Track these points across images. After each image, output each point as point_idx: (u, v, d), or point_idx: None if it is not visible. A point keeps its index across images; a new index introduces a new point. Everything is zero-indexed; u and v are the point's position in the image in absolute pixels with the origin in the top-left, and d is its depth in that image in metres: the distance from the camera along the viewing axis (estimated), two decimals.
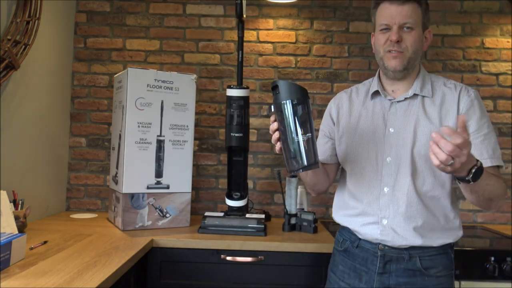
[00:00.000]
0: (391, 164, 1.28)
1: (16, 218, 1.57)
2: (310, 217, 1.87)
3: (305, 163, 1.11)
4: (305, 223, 1.90)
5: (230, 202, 1.90)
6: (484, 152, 1.21)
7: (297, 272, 1.69)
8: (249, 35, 2.36)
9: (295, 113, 1.12)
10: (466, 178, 1.06)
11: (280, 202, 2.34)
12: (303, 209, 2.10)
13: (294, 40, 2.37)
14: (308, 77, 2.37)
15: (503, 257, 1.68)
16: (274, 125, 1.15)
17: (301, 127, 1.11)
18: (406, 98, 1.30)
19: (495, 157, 1.22)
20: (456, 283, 1.67)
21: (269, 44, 2.37)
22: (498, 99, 2.34)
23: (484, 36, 2.36)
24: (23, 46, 1.76)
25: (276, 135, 1.15)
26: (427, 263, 1.25)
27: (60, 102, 2.25)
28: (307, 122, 1.13)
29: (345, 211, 1.38)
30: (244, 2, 1.84)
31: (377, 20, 1.29)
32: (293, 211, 2.01)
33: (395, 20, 1.24)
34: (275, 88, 1.14)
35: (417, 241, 1.24)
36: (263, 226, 1.81)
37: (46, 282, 1.12)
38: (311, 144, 1.12)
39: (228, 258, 1.69)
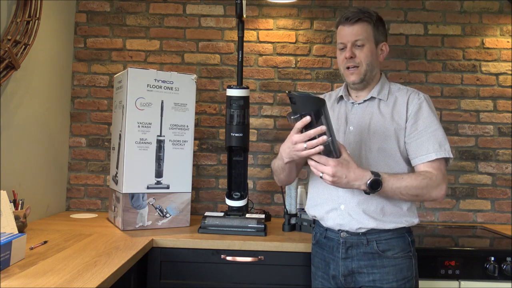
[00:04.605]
0: None
1: (16, 218, 1.57)
2: (310, 217, 1.87)
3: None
4: (305, 223, 1.90)
5: (230, 202, 1.90)
6: (430, 147, 1.37)
7: (297, 272, 1.69)
8: (249, 35, 2.36)
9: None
10: (366, 192, 1.30)
11: (280, 202, 2.34)
12: (303, 209, 2.09)
13: (294, 40, 2.37)
14: (308, 77, 2.37)
15: (503, 257, 1.68)
16: (323, 128, 1.22)
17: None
18: (365, 101, 1.48)
19: (441, 150, 1.37)
20: (456, 283, 1.68)
21: (269, 44, 2.37)
22: (498, 99, 2.34)
23: (484, 36, 2.36)
24: (23, 46, 1.76)
25: (324, 137, 1.23)
26: (384, 246, 1.39)
27: (60, 102, 2.25)
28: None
29: (313, 202, 1.53)
30: (244, 2, 1.85)
31: (337, 41, 1.49)
32: (293, 211, 2.01)
33: (348, 38, 1.43)
34: (319, 100, 1.24)
35: (370, 223, 1.38)
36: (263, 226, 1.81)
37: (46, 282, 1.12)
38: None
39: (228, 258, 1.69)
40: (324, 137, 1.22)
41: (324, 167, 1.26)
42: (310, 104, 1.21)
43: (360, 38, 1.41)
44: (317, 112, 1.21)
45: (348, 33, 1.42)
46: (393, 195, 1.34)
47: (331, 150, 1.26)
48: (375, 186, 1.29)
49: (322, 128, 1.21)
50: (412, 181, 1.33)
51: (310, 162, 1.28)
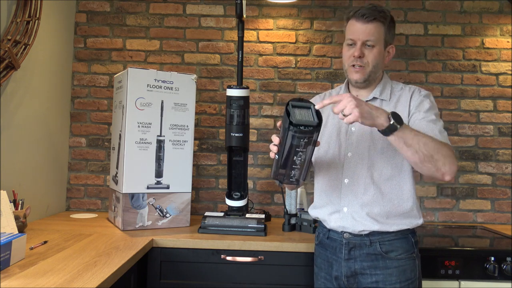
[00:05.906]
0: (352, 158, 1.43)
1: (16, 218, 1.57)
2: (310, 217, 1.87)
3: (298, 180, 1.28)
4: (305, 223, 1.90)
5: (230, 202, 1.90)
6: (429, 131, 1.30)
7: (297, 272, 1.69)
8: (249, 35, 2.36)
9: (302, 140, 1.18)
10: (391, 123, 1.18)
11: (280, 202, 2.34)
12: (303, 209, 2.09)
13: (294, 40, 2.37)
14: (308, 77, 2.37)
15: (503, 257, 1.68)
16: (275, 139, 1.25)
17: (303, 152, 1.20)
18: (367, 101, 1.42)
19: (442, 138, 1.32)
20: (456, 283, 1.68)
21: (269, 44, 2.37)
22: (498, 99, 2.34)
23: (484, 36, 2.36)
24: (23, 46, 1.76)
25: (273, 147, 1.28)
26: (387, 247, 1.38)
27: (60, 102, 2.25)
28: (310, 148, 1.21)
29: (316, 204, 1.53)
30: (244, 2, 1.84)
31: (346, 34, 1.45)
32: (293, 211, 2.01)
33: (359, 36, 1.39)
34: (292, 107, 1.19)
35: (373, 226, 1.37)
36: (263, 226, 1.81)
37: (46, 282, 1.12)
38: (304, 167, 1.25)
39: (228, 258, 1.69)
40: (273, 147, 1.26)
41: (342, 102, 1.17)
42: (284, 119, 1.21)
43: (371, 39, 1.38)
44: (283, 127, 1.22)
45: (361, 31, 1.38)
46: (412, 143, 1.22)
47: (277, 167, 1.26)
48: (398, 119, 1.19)
49: (275, 139, 1.25)
50: (430, 138, 1.26)
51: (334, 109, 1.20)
